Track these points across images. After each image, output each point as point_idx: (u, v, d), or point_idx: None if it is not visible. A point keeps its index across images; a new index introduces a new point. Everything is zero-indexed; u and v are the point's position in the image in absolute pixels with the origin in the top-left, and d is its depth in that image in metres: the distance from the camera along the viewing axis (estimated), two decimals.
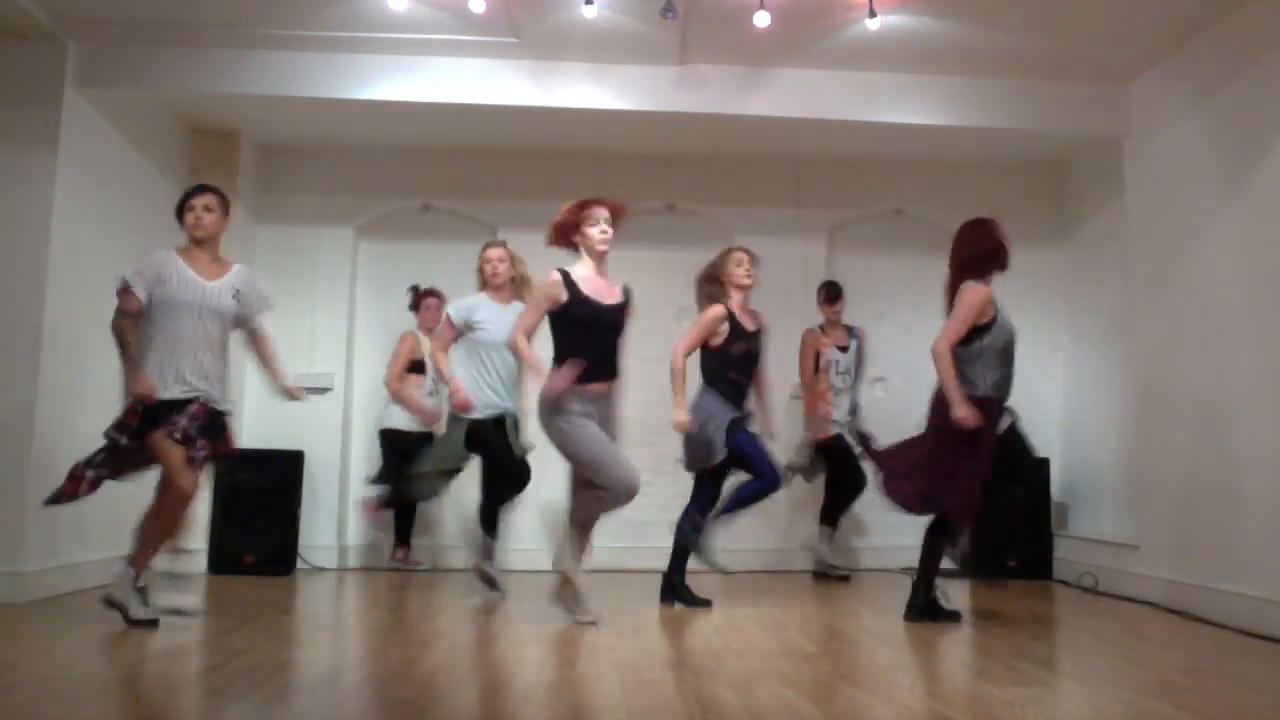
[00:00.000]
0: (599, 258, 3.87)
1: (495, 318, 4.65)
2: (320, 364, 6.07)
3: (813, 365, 5.66)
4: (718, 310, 4.54)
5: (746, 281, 4.60)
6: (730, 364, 4.55)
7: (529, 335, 3.88)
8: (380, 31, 4.85)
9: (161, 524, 3.70)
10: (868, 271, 6.38)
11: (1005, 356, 4.06)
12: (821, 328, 5.77)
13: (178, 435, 3.61)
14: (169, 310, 3.76)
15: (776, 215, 6.33)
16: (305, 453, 5.78)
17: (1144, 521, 5.04)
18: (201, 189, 3.91)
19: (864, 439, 5.12)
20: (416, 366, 5.60)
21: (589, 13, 4.48)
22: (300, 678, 3.00)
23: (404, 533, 5.72)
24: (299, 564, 5.67)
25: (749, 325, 4.62)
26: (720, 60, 5.14)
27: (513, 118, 5.44)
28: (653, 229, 6.28)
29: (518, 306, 4.65)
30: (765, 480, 4.51)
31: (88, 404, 4.85)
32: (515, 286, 4.77)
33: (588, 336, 3.80)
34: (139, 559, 3.69)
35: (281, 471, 5.59)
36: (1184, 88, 4.85)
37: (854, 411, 5.65)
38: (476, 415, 4.56)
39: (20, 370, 4.52)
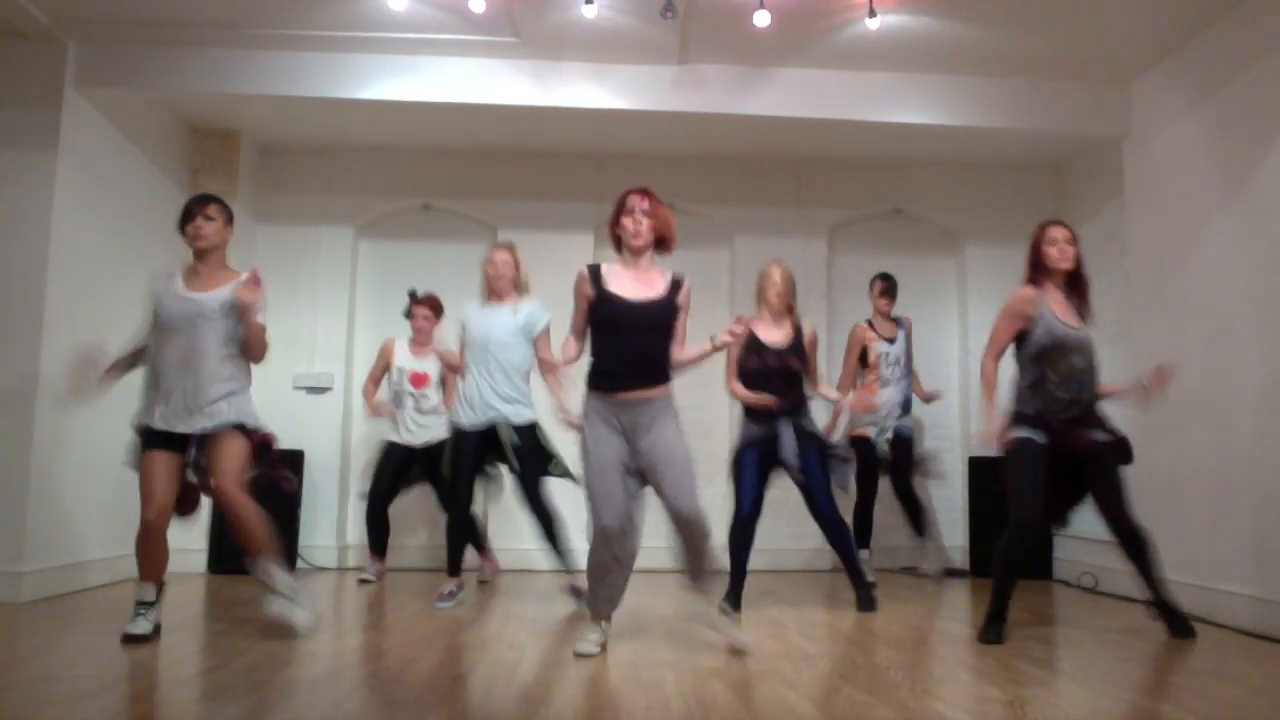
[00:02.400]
0: (634, 251, 3.51)
1: (479, 316, 4.52)
2: (320, 364, 6.08)
3: (857, 361, 5.57)
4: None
5: (775, 304, 4.60)
6: (748, 380, 4.50)
7: (579, 337, 3.59)
8: (380, 31, 4.85)
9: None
10: (868, 271, 6.36)
11: (1042, 364, 3.83)
12: (870, 321, 5.68)
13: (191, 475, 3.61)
14: (156, 331, 3.64)
15: (776, 215, 6.34)
16: (305, 453, 5.79)
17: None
18: (202, 199, 3.75)
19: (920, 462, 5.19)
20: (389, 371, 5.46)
21: (589, 13, 4.48)
22: (300, 678, 2.99)
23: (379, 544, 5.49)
24: (299, 564, 5.68)
25: (775, 340, 4.54)
26: (720, 60, 5.14)
27: (513, 118, 5.44)
28: None
29: (514, 305, 4.55)
30: (735, 513, 4.48)
31: (87, 405, 4.86)
32: (518, 291, 4.60)
33: (613, 338, 3.45)
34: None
35: None
36: (1184, 88, 4.85)
37: (906, 408, 5.55)
38: (461, 425, 4.46)
39: (20, 370, 4.52)
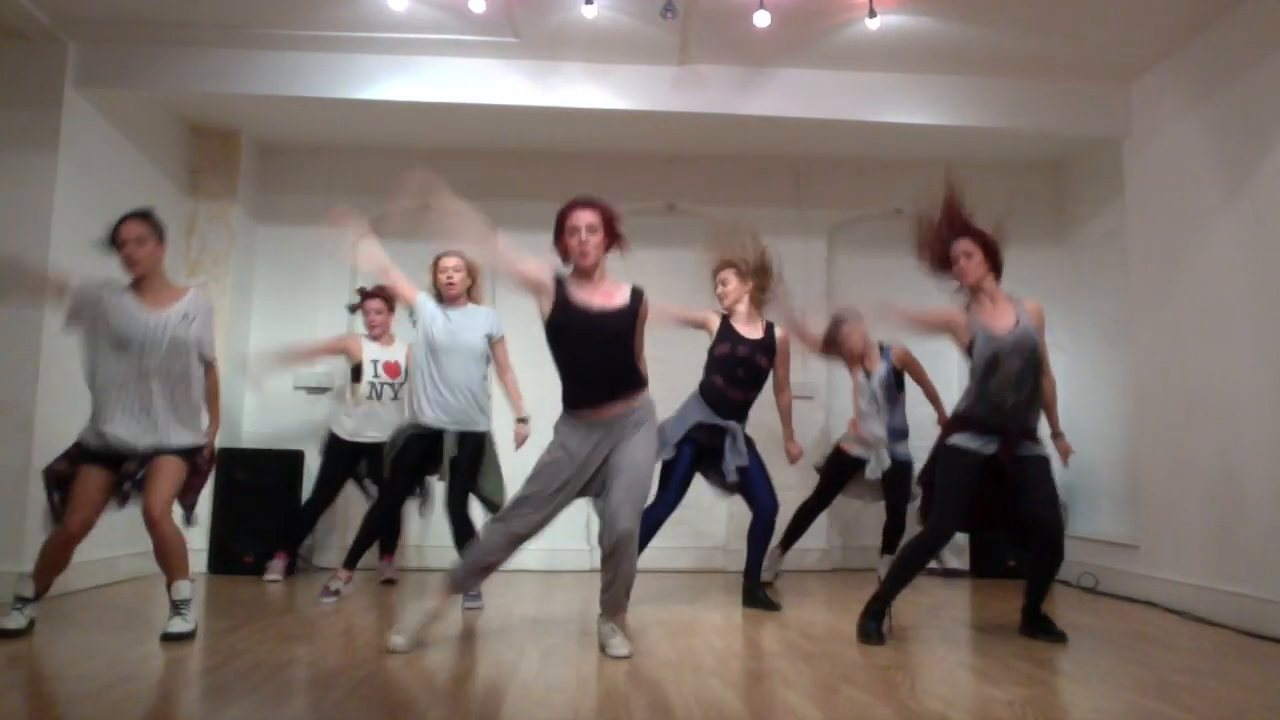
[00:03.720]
0: (583, 271, 3.42)
1: (439, 317, 4.49)
2: (320, 364, 6.06)
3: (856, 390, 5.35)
4: (707, 314, 4.70)
5: (727, 303, 4.66)
6: (714, 366, 4.55)
7: (515, 267, 3.50)
8: (380, 31, 4.85)
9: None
10: (868, 271, 6.37)
11: (986, 372, 3.73)
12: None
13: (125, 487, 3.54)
14: (103, 346, 3.55)
15: (776, 215, 6.33)
16: (305, 453, 5.78)
17: (1144, 521, 5.05)
18: (127, 219, 3.59)
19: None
20: (355, 373, 5.30)
21: (589, 13, 4.48)
22: (300, 678, 3.00)
23: (388, 543, 5.48)
24: (299, 564, 5.68)
25: (747, 332, 4.58)
26: (720, 60, 5.14)
27: (513, 118, 5.44)
28: (653, 229, 6.29)
29: (473, 310, 4.57)
30: (652, 509, 4.21)
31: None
32: (472, 299, 4.62)
33: (577, 352, 3.36)
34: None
35: (281, 471, 5.59)
36: (1184, 88, 4.85)
37: (898, 437, 5.31)
38: (417, 422, 4.40)
39: (20, 370, 4.52)
